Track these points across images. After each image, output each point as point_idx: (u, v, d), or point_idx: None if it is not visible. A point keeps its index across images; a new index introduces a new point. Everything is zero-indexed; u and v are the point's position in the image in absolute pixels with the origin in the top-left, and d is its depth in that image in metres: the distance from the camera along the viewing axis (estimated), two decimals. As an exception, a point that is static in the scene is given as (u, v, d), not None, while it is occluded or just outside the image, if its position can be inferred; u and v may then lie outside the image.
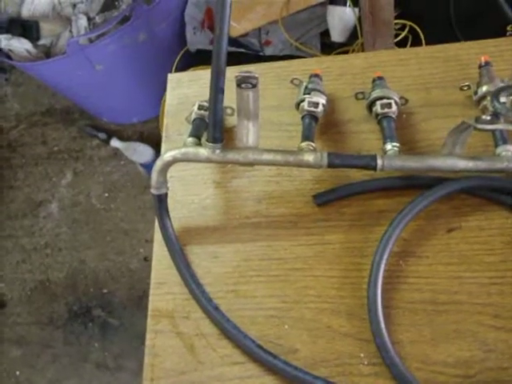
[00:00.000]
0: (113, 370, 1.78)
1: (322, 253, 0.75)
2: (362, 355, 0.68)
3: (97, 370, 1.81)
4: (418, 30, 1.66)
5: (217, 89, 0.66)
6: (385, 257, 0.69)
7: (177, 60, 1.94)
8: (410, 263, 0.73)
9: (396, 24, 1.61)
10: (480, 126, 0.65)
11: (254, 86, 0.66)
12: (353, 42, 1.74)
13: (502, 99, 0.67)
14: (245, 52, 1.81)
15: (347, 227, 0.76)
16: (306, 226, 0.77)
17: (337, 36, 1.75)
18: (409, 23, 1.67)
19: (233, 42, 1.80)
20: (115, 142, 2.14)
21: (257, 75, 0.66)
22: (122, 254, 1.94)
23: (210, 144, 0.71)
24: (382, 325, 0.67)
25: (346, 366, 0.68)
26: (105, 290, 1.91)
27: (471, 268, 0.71)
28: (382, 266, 0.69)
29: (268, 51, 1.81)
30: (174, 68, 1.94)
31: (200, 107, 0.81)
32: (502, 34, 1.69)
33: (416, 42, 1.68)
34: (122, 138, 2.16)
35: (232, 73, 0.68)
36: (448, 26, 1.61)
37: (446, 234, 0.73)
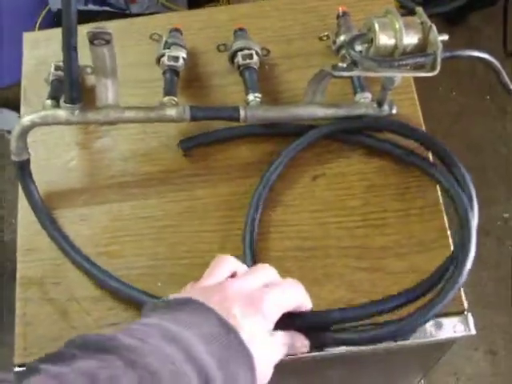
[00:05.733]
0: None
1: (191, 208, 0.75)
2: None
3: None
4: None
5: (69, 47, 0.64)
6: (258, 211, 0.71)
7: (39, 21, 1.85)
8: (279, 212, 0.74)
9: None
10: (337, 73, 0.67)
11: (108, 42, 0.64)
12: (220, -4, 1.73)
13: (358, 47, 0.68)
14: (110, 10, 1.76)
15: (215, 181, 0.76)
16: (175, 183, 0.76)
17: (203, -10, 1.74)
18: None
19: (98, 0, 1.74)
20: (-23, 110, 2.03)
21: (110, 31, 0.64)
22: (-8, 225, 1.87)
23: (68, 105, 0.68)
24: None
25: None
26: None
27: (336, 213, 0.74)
28: (257, 220, 0.71)
29: (134, 9, 1.76)
30: (36, 29, 1.85)
31: (57, 68, 0.78)
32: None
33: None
34: (-16, 105, 2.05)
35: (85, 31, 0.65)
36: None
37: (312, 181, 0.75)
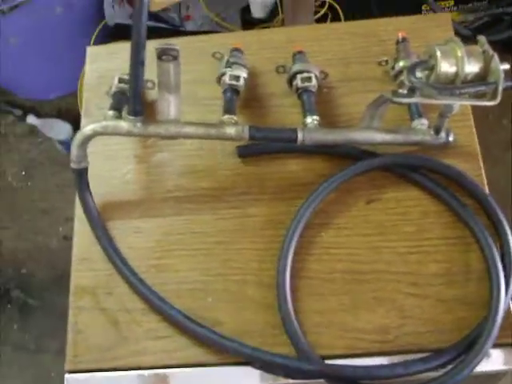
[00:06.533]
0: (33, 352, 1.74)
1: (244, 226, 0.76)
2: (284, 325, 0.69)
3: (16, 353, 1.77)
4: (337, 6, 1.69)
5: (137, 61, 0.65)
6: (297, 232, 0.71)
7: (95, 34, 1.89)
8: (331, 234, 0.75)
9: (315, 1, 1.63)
10: (397, 100, 0.67)
11: (175, 58, 0.66)
12: (273, 18, 1.74)
13: (418, 74, 0.69)
14: (165, 27, 1.79)
15: (268, 200, 0.77)
16: (228, 200, 0.77)
17: (257, 12, 1.75)
18: (328, 0, 1.69)
19: (153, 16, 1.77)
20: (32, 119, 2.07)
21: (177, 47, 0.66)
22: (40, 233, 1.89)
23: (131, 117, 0.70)
24: (288, 298, 0.69)
25: (270, 337, 0.69)
26: (23, 271, 1.86)
27: (389, 238, 0.74)
28: (295, 240, 0.71)
29: (188, 26, 1.79)
30: (92, 42, 1.89)
31: (120, 80, 0.80)
32: (417, 12, 1.73)
33: (335, 19, 1.70)
34: (38, 115, 2.09)
35: (153, 46, 0.67)
36: (366, 4, 1.64)
37: (365, 205, 0.76)
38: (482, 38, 0.68)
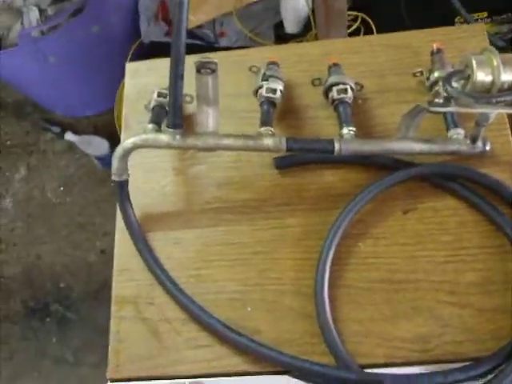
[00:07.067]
0: (72, 365, 1.77)
1: (282, 236, 0.76)
2: (323, 334, 0.70)
3: (55, 365, 1.80)
4: (370, 20, 1.69)
5: (176, 75, 0.67)
6: (335, 241, 0.72)
7: (131, 52, 1.93)
8: (368, 244, 0.75)
9: (348, 15, 1.64)
10: (433, 109, 0.68)
11: (214, 71, 0.67)
12: (306, 33, 1.75)
13: (454, 83, 0.69)
14: (200, 44, 1.81)
15: (306, 211, 0.77)
16: (266, 211, 0.78)
17: (290, 27, 1.76)
18: (360, 14, 1.69)
19: (188, 33, 1.79)
20: (69, 136, 2.11)
21: (216, 61, 0.68)
22: (78, 247, 1.93)
23: (170, 130, 0.72)
24: (327, 307, 0.69)
25: (308, 346, 0.70)
26: (62, 285, 1.89)
27: (427, 247, 0.74)
28: (332, 249, 0.72)
29: (223, 42, 1.81)
30: (128, 59, 1.93)
31: (159, 94, 0.82)
32: (450, 24, 1.73)
33: (368, 33, 1.71)
34: (76, 131, 2.13)
35: (191, 61, 0.69)
36: (398, 17, 1.64)
37: (402, 215, 0.76)
38: (517, 47, 0.68)
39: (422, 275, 0.72)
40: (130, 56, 1.93)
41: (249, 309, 0.73)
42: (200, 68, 0.67)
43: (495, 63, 0.65)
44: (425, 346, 0.68)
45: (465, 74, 0.67)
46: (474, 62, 0.66)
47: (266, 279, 0.74)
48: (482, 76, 0.65)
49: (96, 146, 2.04)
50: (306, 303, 0.71)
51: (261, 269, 0.75)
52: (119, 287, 0.77)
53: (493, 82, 0.65)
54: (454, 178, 0.76)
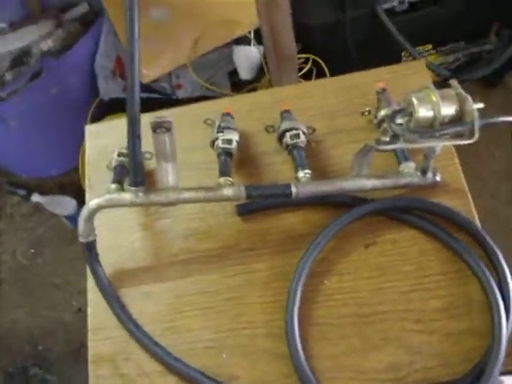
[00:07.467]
0: (55, 427, 1.75)
1: (250, 281, 0.78)
2: (298, 373, 0.71)
3: (38, 428, 1.77)
4: (321, 61, 1.74)
5: (133, 135, 0.69)
6: (301, 281, 0.74)
7: (91, 110, 1.95)
8: (334, 281, 0.77)
9: (299, 58, 1.68)
10: (380, 147, 0.71)
11: (169, 129, 0.70)
12: (261, 78, 1.80)
13: (399, 121, 0.72)
14: (157, 97, 1.85)
15: (271, 254, 0.80)
16: (233, 257, 0.80)
17: (244, 74, 1.81)
18: (311, 56, 1.74)
19: (145, 88, 1.82)
20: (36, 197, 2.11)
21: (170, 119, 0.70)
22: (54, 308, 1.91)
23: (133, 188, 0.74)
24: (299, 346, 0.71)
25: (285, 386, 0.71)
26: (40, 347, 1.87)
27: (390, 278, 0.76)
28: (299, 289, 0.74)
29: (180, 94, 1.84)
30: (89, 117, 1.95)
31: (120, 154, 0.84)
32: (397, 58, 1.79)
33: (320, 74, 1.75)
34: (42, 192, 2.13)
35: (147, 119, 0.71)
36: (348, 57, 1.69)
37: (364, 249, 0.79)
38: (454, 82, 0.71)
39: (389, 306, 0.75)
40: (90, 114, 1.95)
41: (224, 355, 0.74)
42: (155, 128, 0.70)
43: (434, 99, 0.68)
44: (397, 375, 0.71)
45: (407, 111, 0.70)
46: (414, 100, 0.69)
47: (238, 324, 0.76)
48: (424, 112, 0.68)
49: (64, 205, 2.03)
50: (278, 344, 0.73)
51: (233, 314, 0.77)
52: (95, 346, 0.78)
53: (434, 117, 0.68)
54: (408, 210, 0.79)
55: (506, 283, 0.73)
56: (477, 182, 1.88)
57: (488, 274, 0.73)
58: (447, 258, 0.77)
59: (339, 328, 0.74)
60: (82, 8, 2.01)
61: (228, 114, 0.87)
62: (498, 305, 0.71)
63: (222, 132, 0.83)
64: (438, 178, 0.80)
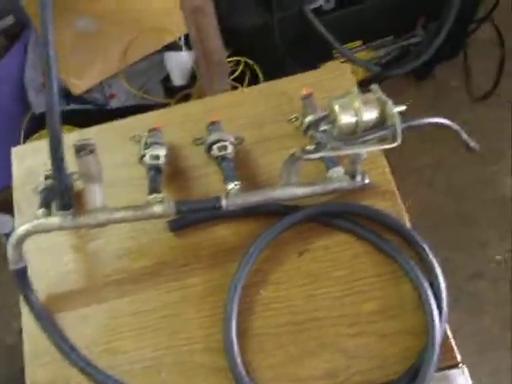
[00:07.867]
0: None
1: (186, 297, 0.78)
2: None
3: None
4: (252, 63, 1.74)
5: (58, 159, 0.67)
6: (237, 293, 0.74)
7: (24, 124, 1.91)
8: (270, 290, 0.78)
9: (231, 61, 1.69)
10: (306, 157, 0.71)
11: (92, 151, 0.69)
12: (194, 83, 1.80)
13: (323, 127, 0.73)
14: (90, 108, 1.82)
15: (206, 268, 0.80)
16: (167, 274, 0.80)
17: (177, 80, 1.81)
18: (243, 59, 1.75)
19: (77, 99, 1.80)
20: (-28, 217, 2.06)
21: (93, 141, 0.69)
22: (-6, 330, 1.88)
23: (60, 212, 0.72)
24: (238, 359, 0.71)
25: (226, 400, 0.71)
26: (-19, 371, 1.83)
27: (323, 285, 0.77)
28: (236, 301, 0.74)
29: (113, 104, 1.82)
30: (22, 132, 1.91)
31: (46, 177, 0.82)
32: (329, 56, 1.81)
33: (253, 76, 1.76)
34: (-23, 211, 2.08)
35: (72, 138, 0.71)
36: (278, 58, 1.70)
37: (298, 257, 0.79)
38: (374, 87, 0.71)
39: (323, 312, 0.75)
40: (24, 128, 1.91)
41: (163, 374, 0.74)
42: (79, 150, 0.69)
43: (357, 105, 0.68)
44: (334, 381, 0.71)
45: (330, 118, 0.70)
46: (336, 107, 0.68)
47: (176, 341, 0.76)
48: (347, 118, 0.68)
49: (1, 223, 1.99)
50: (217, 358, 0.73)
51: (170, 332, 0.76)
52: (33, 373, 0.77)
53: (357, 123, 0.68)
54: (339, 215, 0.80)
55: (438, 281, 0.74)
56: (412, 174, 1.91)
57: (419, 273, 0.75)
58: (380, 260, 0.78)
59: (277, 337, 0.75)
60: (8, 20, 1.96)
61: (155, 129, 0.86)
62: (429, 303, 0.72)
63: (149, 148, 0.82)
64: (366, 181, 0.81)
